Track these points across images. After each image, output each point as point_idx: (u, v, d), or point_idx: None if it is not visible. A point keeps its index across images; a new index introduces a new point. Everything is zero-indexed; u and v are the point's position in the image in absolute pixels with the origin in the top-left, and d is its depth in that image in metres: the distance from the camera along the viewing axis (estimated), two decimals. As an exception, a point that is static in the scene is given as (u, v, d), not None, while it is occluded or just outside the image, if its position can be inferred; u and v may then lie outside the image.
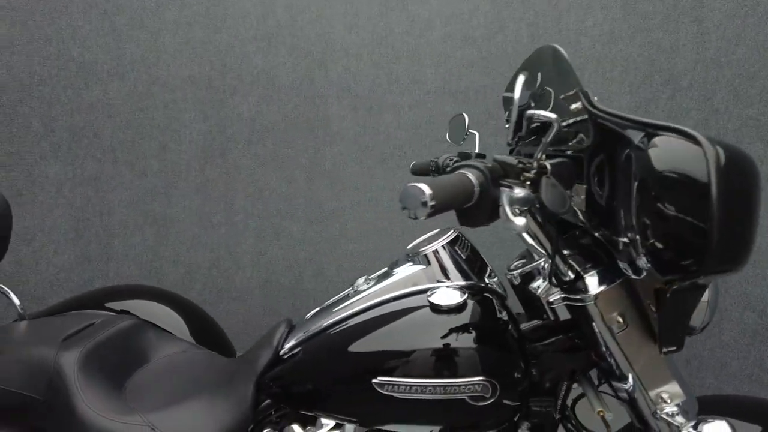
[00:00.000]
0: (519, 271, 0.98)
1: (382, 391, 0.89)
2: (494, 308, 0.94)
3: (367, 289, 1.01)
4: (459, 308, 0.91)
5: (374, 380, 0.89)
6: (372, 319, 0.95)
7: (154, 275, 2.29)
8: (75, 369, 0.94)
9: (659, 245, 0.67)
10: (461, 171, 0.77)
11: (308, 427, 0.98)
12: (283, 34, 2.34)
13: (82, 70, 2.07)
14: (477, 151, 1.24)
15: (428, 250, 1.01)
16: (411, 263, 1.02)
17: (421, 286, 0.97)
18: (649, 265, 0.70)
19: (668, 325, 0.78)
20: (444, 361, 0.88)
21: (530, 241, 1.03)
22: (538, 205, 0.77)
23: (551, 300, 0.90)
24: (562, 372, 0.98)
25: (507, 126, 1.22)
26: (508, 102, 1.23)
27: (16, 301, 1.20)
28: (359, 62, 2.39)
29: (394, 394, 0.89)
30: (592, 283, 0.85)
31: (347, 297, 1.05)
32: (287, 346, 1.01)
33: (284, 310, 2.50)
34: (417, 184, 0.70)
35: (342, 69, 2.40)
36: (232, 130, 2.34)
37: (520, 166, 0.80)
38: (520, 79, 0.73)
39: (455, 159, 1.22)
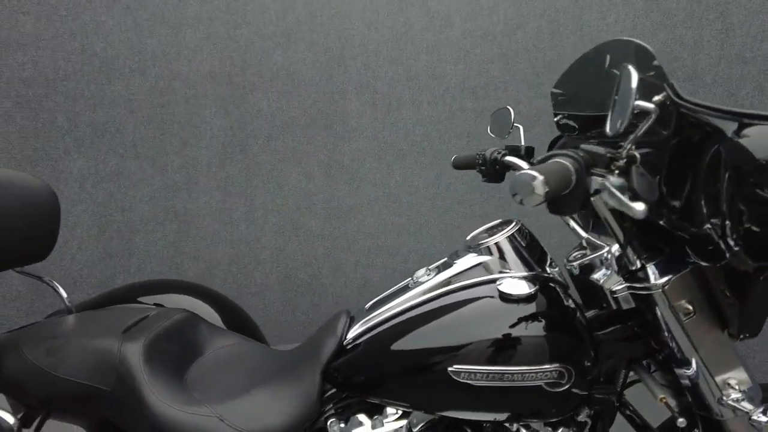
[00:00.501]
0: (579, 262, 0.99)
1: (458, 379, 0.91)
2: (561, 297, 0.96)
3: (429, 280, 1.03)
4: (529, 298, 0.94)
5: (450, 368, 0.91)
6: (441, 309, 0.97)
7: (175, 271, 2.30)
8: (140, 361, 0.95)
9: (755, 231, 0.68)
10: (557, 160, 0.78)
11: (375, 416, 1.00)
12: (302, 30, 2.34)
13: (104, 66, 2.08)
14: (523, 143, 1.25)
15: (493, 241, 1.02)
16: (474, 254, 1.04)
17: (488, 276, 0.99)
18: (738, 250, 0.71)
19: (751, 312, 0.80)
20: (521, 348, 0.91)
21: (578, 232, 1.04)
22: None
23: (615, 289, 0.92)
24: (620, 360, 0.99)
25: (556, 119, 1.22)
26: (557, 96, 1.23)
27: (64, 294, 1.21)
28: (378, 58, 2.39)
29: (471, 382, 0.91)
30: (659, 272, 0.87)
31: (407, 288, 1.06)
32: (351, 336, 1.03)
33: (303, 305, 2.50)
34: (530, 172, 0.71)
35: (361, 65, 2.39)
36: (252, 126, 2.34)
37: (609, 155, 0.81)
38: (634, 75, 0.72)
39: (503, 152, 1.22)
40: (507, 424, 0.97)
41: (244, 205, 2.38)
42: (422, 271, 1.09)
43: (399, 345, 0.96)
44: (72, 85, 2.02)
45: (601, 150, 0.83)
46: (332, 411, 1.03)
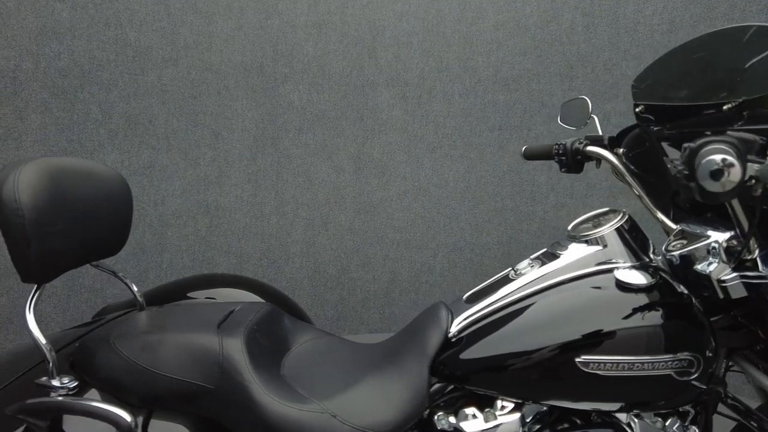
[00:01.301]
0: (680, 251, 0.98)
1: (586, 370, 0.90)
2: (674, 286, 0.95)
3: (533, 271, 1.01)
4: (648, 287, 0.93)
5: (578, 359, 0.89)
6: (557, 299, 0.96)
7: (206, 266, 2.26)
8: (245, 357, 0.91)
9: None
10: (716, 146, 0.76)
11: (486, 409, 0.98)
12: (333, 21, 2.30)
13: (138, 55, 2.02)
14: (600, 133, 1.24)
15: (603, 232, 1.01)
16: (580, 244, 1.02)
17: (602, 266, 0.98)
18: None
19: None
20: (649, 338, 0.90)
21: (668, 224, 1.03)
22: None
23: (724, 278, 0.91)
24: (721, 350, 0.99)
25: (636, 110, 1.21)
26: (640, 86, 1.22)
27: (135, 289, 1.17)
28: (409, 50, 2.37)
29: (600, 372, 0.90)
30: None
31: (507, 279, 1.05)
32: (456, 328, 1.01)
33: (332, 300, 2.48)
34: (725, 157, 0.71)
35: (392, 57, 2.37)
36: (283, 119, 2.31)
37: (761, 141, 0.81)
38: None
39: (584, 142, 1.21)
40: (618, 414, 0.96)
41: (274, 199, 2.35)
42: (525, 262, 1.08)
43: (514, 336, 0.94)
44: (106, 75, 1.96)
45: (753, 137, 0.82)
46: (437, 405, 1.01)
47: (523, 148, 1.39)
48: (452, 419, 0.98)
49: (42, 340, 0.86)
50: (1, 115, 1.74)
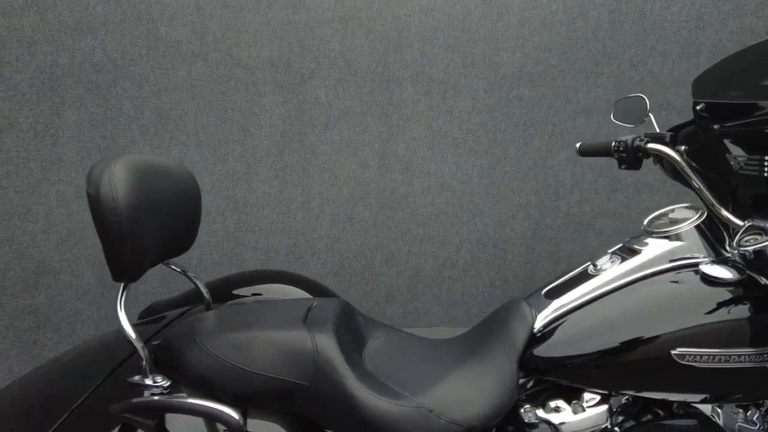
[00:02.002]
0: (755, 246, 1.00)
1: (681, 362, 0.92)
2: (757, 280, 0.97)
3: (615, 266, 1.04)
4: (736, 281, 0.96)
5: (674, 351, 0.91)
6: (646, 293, 1.00)
7: (234, 262, 2.26)
8: (339, 353, 0.91)
9: None
10: None
11: (573, 401, 1.00)
12: (360, 17, 2.30)
13: (168, 50, 2.00)
14: (658, 131, 1.26)
15: (684, 228, 1.03)
16: (660, 239, 1.05)
17: (684, 260, 1.02)
18: None
19: None
20: (745, 330, 0.92)
21: (734, 221, 1.07)
22: None
23: None
24: None
25: (697, 108, 1.23)
26: (702, 83, 1.23)
27: (204, 289, 1.17)
28: (434, 45, 2.37)
29: (696, 364, 0.92)
30: None
31: (586, 275, 1.07)
32: (540, 323, 1.03)
33: (355, 295, 2.49)
34: None
35: (417, 52, 2.37)
36: (309, 115, 2.30)
37: None
38: None
39: (645, 139, 1.22)
40: (700, 405, 0.99)
41: (301, 195, 2.34)
42: (605, 258, 1.11)
43: (605, 330, 0.97)
44: (138, 70, 1.94)
45: None
46: (522, 398, 1.03)
47: (578, 144, 1.41)
48: (539, 412, 1.00)
49: (135, 338, 0.86)
50: (39, 112, 1.71)
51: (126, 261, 0.83)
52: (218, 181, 2.18)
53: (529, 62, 2.38)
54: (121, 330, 0.84)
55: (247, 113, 2.20)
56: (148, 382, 0.85)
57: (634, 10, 2.27)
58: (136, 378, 0.86)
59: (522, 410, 1.01)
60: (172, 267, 1.12)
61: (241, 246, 2.26)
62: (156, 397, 0.81)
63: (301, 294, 1.38)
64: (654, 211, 1.21)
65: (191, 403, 0.78)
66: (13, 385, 0.95)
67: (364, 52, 2.32)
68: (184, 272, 1.15)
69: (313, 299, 1.13)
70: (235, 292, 1.36)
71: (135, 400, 0.80)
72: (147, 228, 0.87)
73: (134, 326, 1.23)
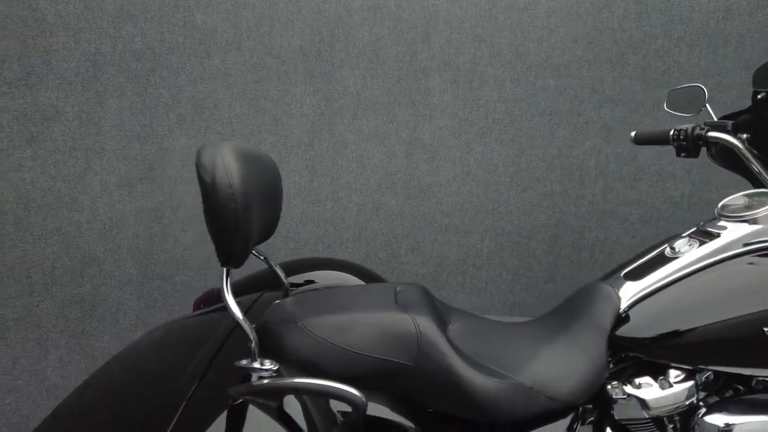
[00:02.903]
0: None
1: None
2: None
3: (694, 249, 1.08)
4: None
5: (766, 328, 0.95)
6: (732, 273, 1.05)
7: (267, 250, 2.24)
8: (440, 335, 0.94)
9: None
10: None
11: (659, 377, 1.04)
12: (388, 6, 2.30)
13: (204, 39, 1.99)
14: (715, 119, 1.29)
15: (762, 212, 1.07)
16: (738, 223, 1.09)
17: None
18: None
19: None
20: None
21: None
22: None
23: None
24: None
25: (758, 97, 1.26)
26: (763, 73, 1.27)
27: (283, 275, 1.17)
28: (461, 35, 2.38)
29: None
30: None
31: (665, 257, 1.11)
32: (626, 303, 1.06)
33: (382, 284, 2.50)
34: None
35: (444, 42, 2.38)
36: (338, 104, 2.30)
37: None
38: None
39: (705, 128, 1.26)
40: None
41: (330, 184, 2.35)
42: (682, 241, 1.15)
43: (693, 309, 1.02)
44: (175, 58, 1.92)
45: None
46: (607, 376, 1.07)
47: (633, 133, 1.44)
48: (627, 388, 1.04)
49: (247, 323, 0.86)
50: (83, 100, 1.70)
51: (237, 247, 0.83)
52: (251, 170, 2.18)
53: (555, 52, 2.40)
54: (231, 314, 0.85)
55: (278, 103, 2.19)
56: (257, 365, 0.85)
57: (661, 1, 2.30)
58: (244, 362, 0.86)
59: (609, 387, 1.05)
60: (253, 253, 1.12)
61: (274, 237, 2.26)
62: (283, 380, 0.82)
63: (354, 280, 1.40)
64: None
65: (317, 384, 0.79)
66: (94, 382, 0.94)
67: (392, 41, 2.33)
68: (265, 259, 1.16)
69: (395, 284, 1.14)
70: (290, 279, 1.37)
71: (256, 382, 0.81)
72: (254, 214, 0.87)
73: (199, 314, 1.24)
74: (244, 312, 1.16)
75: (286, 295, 1.20)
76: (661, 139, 1.36)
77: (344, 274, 1.42)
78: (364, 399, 0.78)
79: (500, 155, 2.48)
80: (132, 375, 0.93)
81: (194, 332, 1.08)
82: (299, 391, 0.83)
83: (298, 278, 1.38)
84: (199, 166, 0.82)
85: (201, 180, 0.82)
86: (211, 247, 2.16)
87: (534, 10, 2.36)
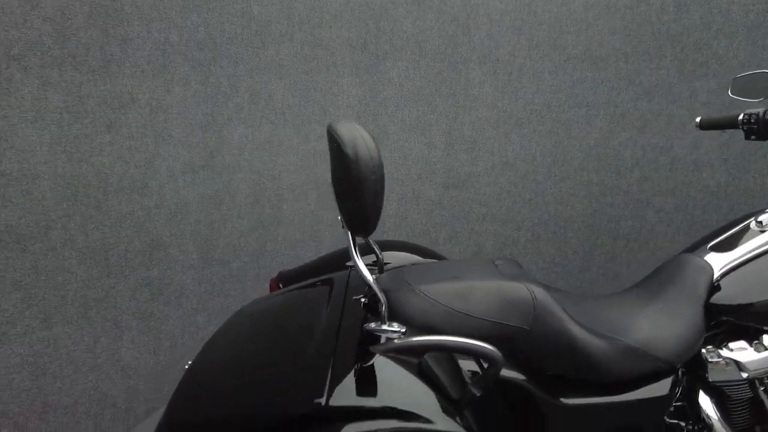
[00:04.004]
0: None
1: None
2: None
3: None
4: None
5: None
6: None
7: (314, 240, 2.31)
8: (553, 301, 0.99)
9: None
10: None
11: (754, 341, 1.10)
12: (432, -1, 2.35)
13: (260, 29, 2.03)
14: None
15: None
16: None
17: None
18: None
19: None
20: None
21: None
22: None
23: None
24: None
25: None
26: None
27: (378, 250, 1.22)
28: (501, 28, 2.42)
29: None
30: None
31: (752, 230, 1.17)
32: (719, 272, 1.13)
33: (422, 273, 2.54)
34: None
35: (485, 34, 2.42)
36: (382, 96, 2.35)
37: None
38: None
39: None
40: None
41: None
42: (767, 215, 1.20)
43: None
44: (234, 48, 1.97)
45: None
46: (708, 338, 1.13)
47: (698, 119, 1.49)
48: (722, 352, 1.10)
49: (377, 287, 0.91)
50: (154, 87, 1.74)
51: (373, 216, 0.88)
52: (301, 160, 2.22)
53: (593, 45, 2.46)
54: (363, 279, 0.90)
55: (327, 94, 2.24)
56: (386, 327, 0.90)
57: (698, -6, 2.35)
58: (373, 325, 0.91)
59: (704, 351, 1.11)
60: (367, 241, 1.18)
61: (319, 224, 2.31)
62: (425, 338, 0.87)
63: (423, 260, 1.45)
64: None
65: (461, 341, 0.84)
66: (213, 353, 0.98)
67: (435, 33, 2.37)
68: (370, 242, 1.22)
69: (491, 258, 1.19)
70: (348, 264, 1.42)
71: (399, 341, 0.86)
72: (382, 187, 0.92)
73: (286, 291, 1.28)
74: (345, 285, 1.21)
75: (381, 270, 1.25)
76: (729, 124, 1.42)
77: (411, 255, 1.47)
78: (501, 356, 0.83)
79: (538, 146, 2.53)
80: (259, 336, 0.97)
81: (299, 304, 1.13)
82: (442, 348, 0.88)
83: (367, 259, 1.42)
84: (339, 141, 0.86)
85: (342, 155, 0.86)
86: (265, 235, 2.22)
87: (572, 4, 2.42)
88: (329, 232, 2.34)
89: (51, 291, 1.56)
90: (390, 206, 2.46)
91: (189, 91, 1.85)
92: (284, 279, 1.46)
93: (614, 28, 2.44)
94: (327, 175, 2.30)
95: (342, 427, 0.71)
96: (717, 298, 1.13)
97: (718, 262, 1.17)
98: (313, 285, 1.28)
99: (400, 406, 0.77)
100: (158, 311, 1.85)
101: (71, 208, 1.57)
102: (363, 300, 1.06)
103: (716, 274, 1.16)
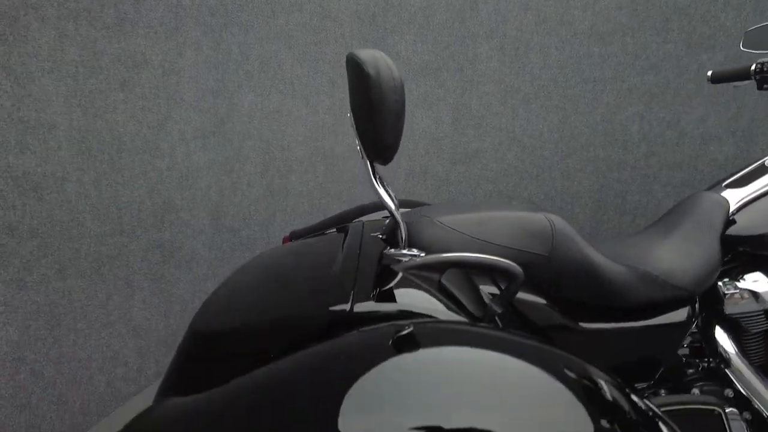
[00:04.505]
0: None
1: None
2: None
3: None
4: None
5: None
6: None
7: (322, 212, 2.31)
8: (573, 230, 1.00)
9: None
10: None
11: None
12: (439, -28, 2.35)
13: (270, -2, 2.05)
14: None
15: None
16: None
17: None
18: None
19: None
20: None
21: None
22: None
23: None
24: None
25: None
26: None
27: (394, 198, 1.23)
28: (508, 3, 2.43)
29: None
30: None
31: (763, 168, 1.18)
32: (735, 206, 1.14)
33: (429, 248, 2.55)
34: None
35: (492, 9, 2.43)
36: (391, 68, 2.35)
37: None
38: None
39: None
40: None
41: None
42: None
43: None
44: (245, 16, 1.97)
45: None
46: (724, 270, 1.15)
47: (709, 72, 1.50)
48: (739, 283, 1.10)
49: (397, 211, 0.91)
50: (167, 50, 1.74)
51: (393, 140, 0.88)
52: (310, 131, 2.23)
53: (599, 20, 2.46)
54: (385, 204, 0.90)
55: (335, 65, 2.25)
56: (406, 252, 0.91)
57: (704, -33, 2.36)
58: (393, 251, 0.91)
59: (720, 283, 1.12)
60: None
61: (328, 197, 2.31)
62: (448, 255, 0.87)
63: None
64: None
65: (481, 257, 0.84)
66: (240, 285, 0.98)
67: (442, 8, 2.38)
68: (380, 179, 1.21)
69: (509, 200, 1.20)
70: (370, 217, 1.42)
71: (420, 259, 0.86)
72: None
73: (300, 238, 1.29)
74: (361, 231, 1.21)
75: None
76: (741, 75, 1.43)
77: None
78: (522, 271, 0.83)
79: (545, 122, 2.54)
80: (280, 267, 0.98)
81: (316, 244, 1.13)
82: (462, 264, 0.88)
83: (378, 215, 1.42)
84: (360, 62, 0.86)
85: (363, 75, 0.85)
86: (274, 205, 2.23)
87: (579, -22, 2.43)
88: (337, 205, 2.35)
89: (66, 243, 1.57)
90: (398, 182, 2.47)
91: (200, 56, 1.86)
92: (297, 236, 1.47)
93: (621, 2, 2.44)
94: (335, 149, 2.30)
95: (365, 329, 0.72)
96: (733, 230, 1.14)
97: (734, 197, 1.19)
98: (328, 234, 1.29)
99: (422, 311, 0.77)
100: (169, 274, 1.85)
101: (86, 162, 1.58)
102: (381, 236, 1.06)
103: (732, 208, 1.17)
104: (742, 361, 1.08)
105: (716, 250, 1.10)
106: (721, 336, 1.11)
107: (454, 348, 0.64)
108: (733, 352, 1.09)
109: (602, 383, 0.62)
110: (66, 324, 1.63)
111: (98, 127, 1.61)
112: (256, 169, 2.11)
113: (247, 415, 0.58)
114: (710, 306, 1.15)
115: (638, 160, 2.57)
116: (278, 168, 2.18)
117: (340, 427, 0.54)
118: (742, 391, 1.08)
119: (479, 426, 0.53)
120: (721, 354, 1.10)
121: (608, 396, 0.61)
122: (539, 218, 1.00)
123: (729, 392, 1.10)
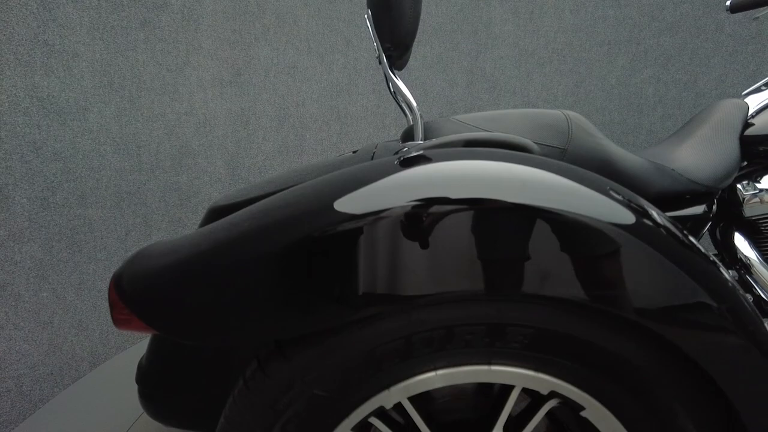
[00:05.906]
0: None
1: None
2: None
3: None
4: None
5: None
6: None
7: (337, 170, 2.33)
8: (589, 122, 1.01)
9: None
10: None
11: None
12: (454, -66, 2.37)
13: (286, -48, 2.08)
14: None
15: None
16: None
17: None
18: None
19: None
20: None
21: None
22: None
23: None
24: None
25: None
26: None
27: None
28: (523, -35, 2.44)
29: None
30: None
31: None
32: (754, 109, 1.13)
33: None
34: None
35: (506, -28, 2.44)
36: (405, 29, 2.37)
37: None
38: None
39: None
40: None
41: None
42: None
43: None
44: (261, -31, 2.01)
45: None
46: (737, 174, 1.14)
47: (728, 1, 1.49)
48: (758, 184, 1.10)
49: (413, 102, 0.93)
50: (184, -4, 1.79)
51: (409, 38, 0.89)
52: (324, 90, 2.25)
53: (615, -19, 2.46)
54: (401, 96, 0.92)
55: (350, 24, 2.27)
56: (422, 142, 0.92)
57: (721, -74, 2.35)
58: (410, 143, 0.93)
59: (739, 186, 1.11)
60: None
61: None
62: (460, 135, 0.88)
63: None
64: None
65: (494, 134, 0.85)
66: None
67: (457, -30, 2.39)
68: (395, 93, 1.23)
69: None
70: None
71: (437, 139, 0.87)
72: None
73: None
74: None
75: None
76: (754, 3, 1.42)
77: None
78: (536, 146, 0.84)
79: (559, 85, 2.53)
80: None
81: (325, 163, 1.15)
82: (479, 142, 0.89)
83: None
84: None
85: None
86: (289, 160, 2.25)
87: (595, -60, 2.42)
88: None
89: (87, 171, 1.60)
90: (412, 144, 2.48)
91: (219, 5, 1.89)
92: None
93: (636, -37, 2.44)
94: (349, 108, 2.32)
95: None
96: (752, 131, 1.13)
97: (753, 101, 1.18)
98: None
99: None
100: (186, 218, 1.88)
101: (107, 95, 1.62)
102: (397, 140, 1.08)
103: (752, 110, 1.17)
104: (764, 266, 1.08)
105: (734, 149, 1.09)
106: (740, 243, 1.11)
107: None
108: (754, 257, 1.09)
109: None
110: (87, 251, 1.66)
111: (119, 63, 1.64)
112: (271, 123, 2.13)
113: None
114: (729, 211, 1.14)
115: (654, 123, 2.55)
116: (293, 124, 2.20)
117: None
118: (763, 296, 1.07)
119: None
120: (741, 261, 1.09)
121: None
122: (555, 113, 1.01)
123: (749, 297, 1.09)
